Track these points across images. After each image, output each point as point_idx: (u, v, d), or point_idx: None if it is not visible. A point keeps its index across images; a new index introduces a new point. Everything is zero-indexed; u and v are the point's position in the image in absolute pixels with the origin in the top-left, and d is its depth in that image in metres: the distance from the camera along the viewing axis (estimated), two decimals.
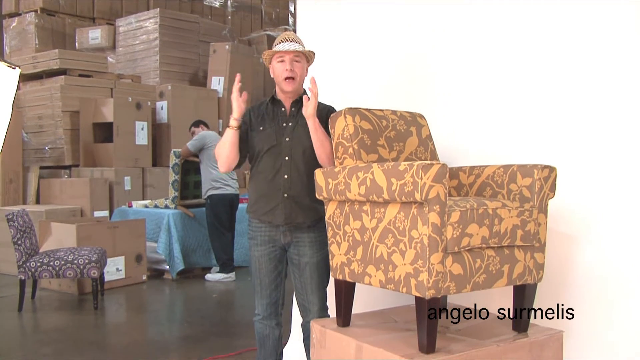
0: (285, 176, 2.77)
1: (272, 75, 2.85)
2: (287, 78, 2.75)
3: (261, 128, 2.82)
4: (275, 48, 2.77)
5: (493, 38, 2.98)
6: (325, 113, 2.80)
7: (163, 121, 8.24)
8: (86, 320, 4.86)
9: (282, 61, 2.76)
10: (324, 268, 2.83)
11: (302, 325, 2.99)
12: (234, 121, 2.76)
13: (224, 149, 2.80)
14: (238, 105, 2.75)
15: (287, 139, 2.78)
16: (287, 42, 2.76)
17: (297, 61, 2.77)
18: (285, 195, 2.78)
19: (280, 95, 2.86)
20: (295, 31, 3.76)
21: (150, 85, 8.58)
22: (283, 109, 2.84)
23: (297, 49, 2.75)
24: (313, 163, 2.75)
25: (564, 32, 2.77)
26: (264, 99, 2.94)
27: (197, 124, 6.67)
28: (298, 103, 2.83)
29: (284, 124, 2.81)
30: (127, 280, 6.08)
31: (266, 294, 2.89)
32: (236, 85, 2.76)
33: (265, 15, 11.32)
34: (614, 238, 2.63)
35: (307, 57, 2.83)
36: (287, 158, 2.77)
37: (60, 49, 8.08)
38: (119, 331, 4.64)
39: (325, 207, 2.62)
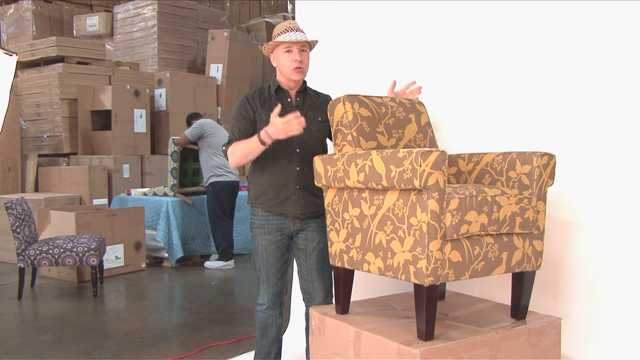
0: (297, 168, 2.75)
1: (274, 64, 2.80)
2: (296, 68, 2.71)
3: None
4: (281, 38, 2.71)
5: (493, 26, 2.97)
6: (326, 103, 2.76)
7: (161, 109, 8.22)
8: (85, 308, 4.87)
9: (289, 51, 2.71)
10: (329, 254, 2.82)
11: (305, 313, 2.97)
12: (268, 139, 2.59)
13: (245, 157, 2.69)
14: (283, 129, 2.55)
15: None
16: (292, 32, 2.72)
17: (304, 51, 2.74)
18: (298, 187, 2.76)
19: (284, 85, 2.81)
20: (293, 18, 3.73)
21: (148, 73, 8.55)
22: (289, 99, 2.80)
23: (306, 39, 2.73)
24: (322, 154, 2.76)
25: (562, 20, 2.75)
26: (262, 86, 2.89)
27: (195, 116, 6.64)
28: (302, 93, 2.81)
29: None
30: (126, 268, 6.09)
31: (272, 283, 2.85)
32: (296, 115, 2.56)
33: (264, 2, 11.26)
34: (613, 225, 2.63)
35: (311, 45, 2.80)
36: (298, 150, 2.74)
37: (58, 36, 8.04)
38: (118, 318, 4.65)
39: (324, 194, 2.62)
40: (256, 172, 2.83)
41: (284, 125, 2.54)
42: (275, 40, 2.74)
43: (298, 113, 2.56)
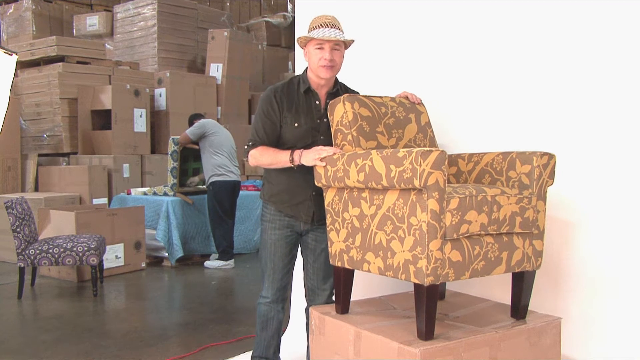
0: None
1: (305, 59, 2.71)
2: (325, 66, 2.61)
3: (296, 124, 2.68)
4: (313, 34, 2.59)
5: (493, 25, 2.97)
6: None
7: (161, 108, 8.22)
8: (85, 308, 4.87)
9: (320, 48, 2.60)
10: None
11: (306, 309, 2.97)
12: (298, 162, 2.60)
13: (269, 166, 2.72)
14: (319, 160, 2.53)
15: (322, 137, 2.69)
16: (327, 28, 2.58)
17: (336, 49, 2.62)
18: (314, 193, 2.73)
19: (313, 83, 2.72)
20: (293, 18, 3.71)
21: (148, 72, 8.55)
22: (317, 102, 2.72)
23: (339, 38, 2.59)
24: None
25: (562, 20, 2.75)
26: (291, 80, 2.76)
27: (197, 117, 6.64)
28: (332, 95, 2.72)
29: (318, 120, 2.70)
30: (126, 268, 6.09)
31: (278, 277, 2.84)
32: (336, 151, 2.51)
33: (264, 2, 11.26)
34: (612, 225, 2.64)
35: (346, 43, 2.68)
36: None
37: (58, 36, 8.04)
38: (118, 318, 4.65)
39: (324, 194, 2.62)
40: (275, 171, 2.77)
41: (318, 157, 2.53)
42: (307, 35, 2.63)
43: (340, 150, 2.51)
